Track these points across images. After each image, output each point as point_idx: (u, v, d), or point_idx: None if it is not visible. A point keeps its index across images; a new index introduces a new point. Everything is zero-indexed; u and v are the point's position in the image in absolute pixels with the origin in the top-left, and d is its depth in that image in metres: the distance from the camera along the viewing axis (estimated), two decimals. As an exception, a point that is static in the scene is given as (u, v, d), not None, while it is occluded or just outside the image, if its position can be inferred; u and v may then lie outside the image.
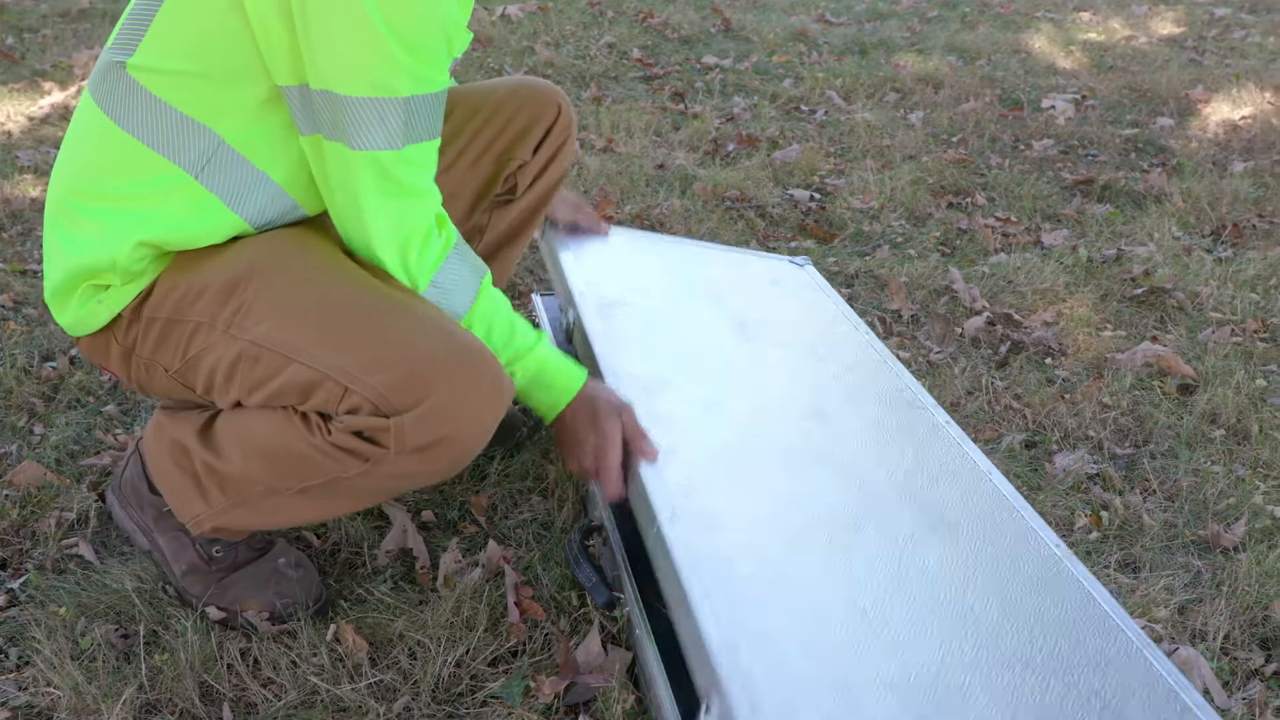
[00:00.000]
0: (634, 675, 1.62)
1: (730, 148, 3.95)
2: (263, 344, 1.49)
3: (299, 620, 1.70)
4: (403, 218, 1.53)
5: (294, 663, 1.64)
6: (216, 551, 1.73)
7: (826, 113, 4.47)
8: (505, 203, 2.07)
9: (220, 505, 1.62)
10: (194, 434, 1.61)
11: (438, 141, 1.53)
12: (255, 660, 1.65)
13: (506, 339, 1.63)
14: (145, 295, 1.56)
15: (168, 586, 1.76)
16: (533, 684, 1.62)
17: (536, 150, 2.03)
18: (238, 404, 1.56)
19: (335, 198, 1.52)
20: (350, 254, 1.60)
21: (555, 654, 1.67)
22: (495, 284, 2.07)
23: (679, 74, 4.88)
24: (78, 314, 1.58)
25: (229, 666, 1.64)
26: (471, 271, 1.61)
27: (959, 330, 2.81)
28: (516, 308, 2.69)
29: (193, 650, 1.63)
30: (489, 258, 2.09)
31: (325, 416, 1.50)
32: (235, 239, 1.57)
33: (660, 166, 3.70)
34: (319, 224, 1.65)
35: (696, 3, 6.04)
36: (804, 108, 4.53)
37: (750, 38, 5.52)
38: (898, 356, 2.62)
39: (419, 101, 1.45)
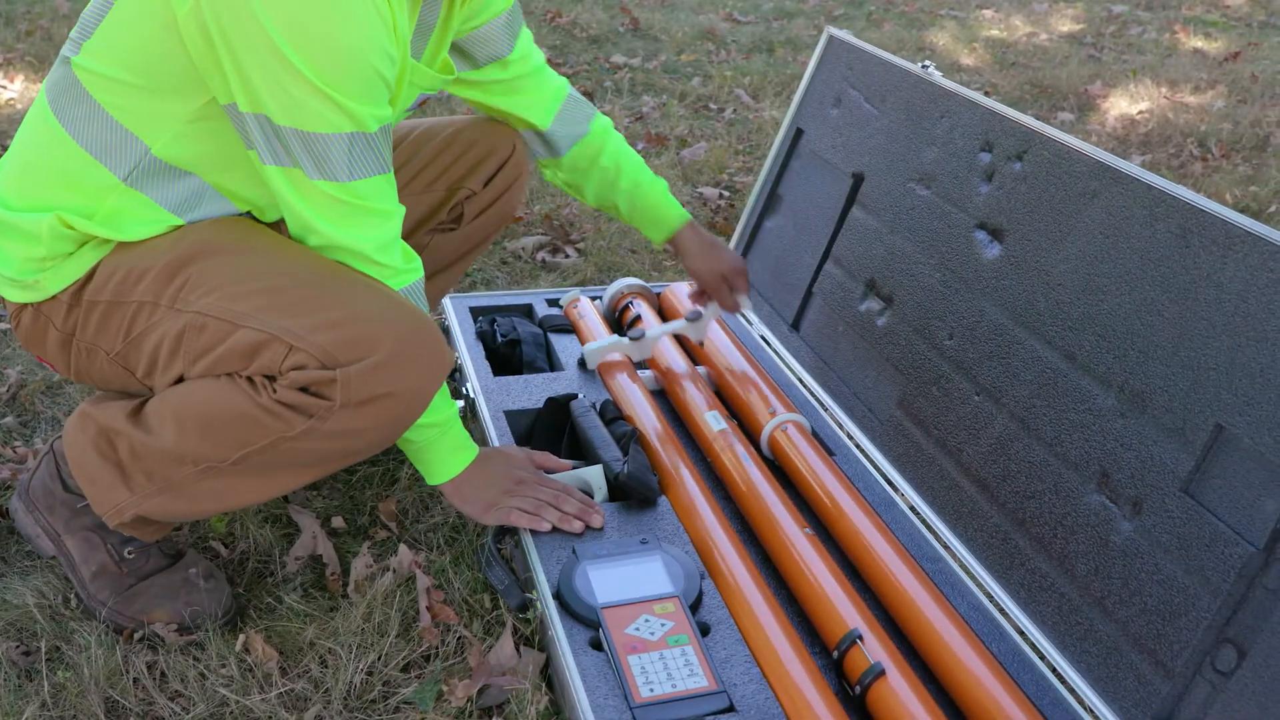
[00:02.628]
0: (548, 676, 1.63)
1: (639, 146, 3.96)
2: (209, 313, 1.51)
3: (208, 631, 1.68)
4: (361, 238, 1.55)
5: (202, 675, 1.62)
6: (129, 553, 1.71)
7: (735, 111, 4.50)
8: (449, 230, 2.07)
9: (145, 490, 1.59)
10: (124, 417, 1.60)
11: (389, 174, 1.55)
12: (162, 673, 1.63)
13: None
14: (85, 280, 1.56)
15: (71, 598, 1.73)
16: (445, 688, 1.61)
17: (488, 184, 2.05)
18: (178, 381, 1.57)
19: (288, 216, 1.54)
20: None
21: (468, 657, 1.66)
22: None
23: (588, 73, 4.88)
24: (17, 274, 1.57)
25: (135, 681, 1.61)
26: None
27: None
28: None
29: (97, 665, 1.60)
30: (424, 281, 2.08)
31: (270, 378, 1.52)
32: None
33: (570, 166, 3.69)
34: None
35: (605, 2, 6.04)
36: (712, 106, 4.55)
37: (659, 37, 5.53)
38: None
39: (362, 139, 1.47)
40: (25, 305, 1.60)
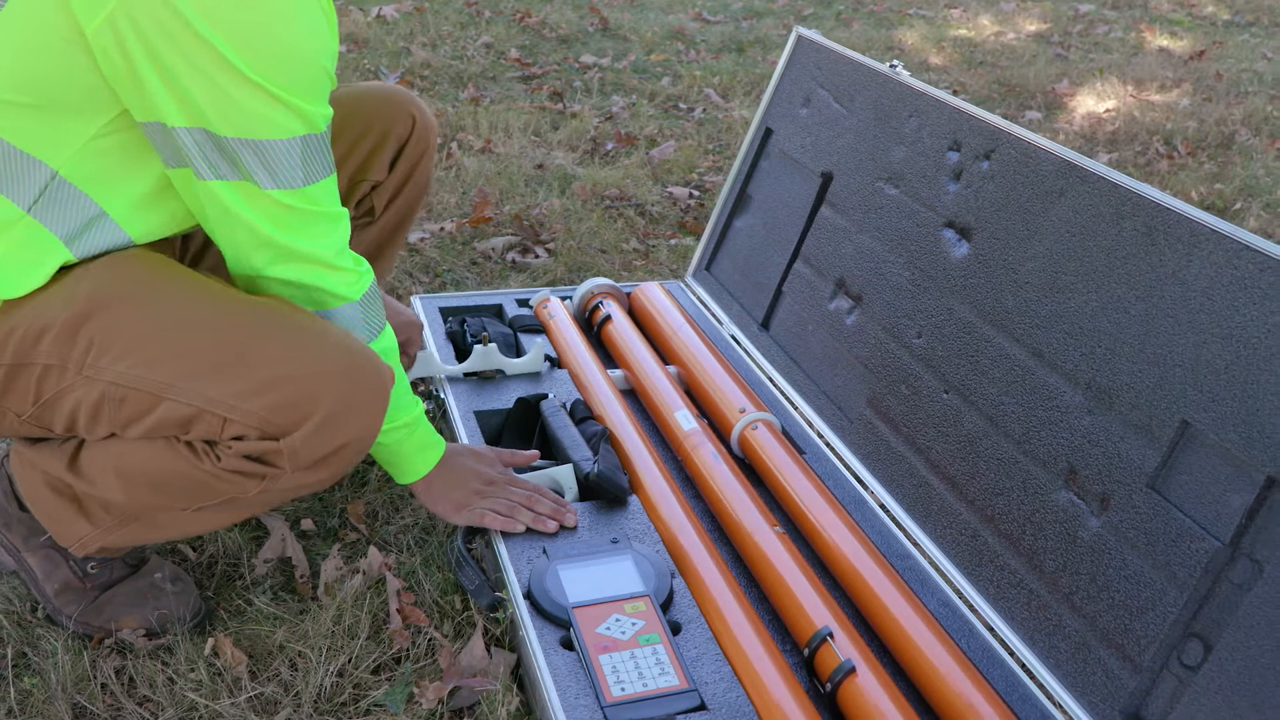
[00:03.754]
0: (519, 677, 1.62)
1: (609, 146, 3.96)
2: (125, 383, 1.41)
3: (176, 636, 1.67)
4: (320, 245, 1.49)
5: (171, 679, 1.61)
6: (92, 568, 1.68)
7: (704, 110, 4.50)
8: (364, 226, 1.96)
9: (106, 524, 1.57)
10: (63, 467, 1.54)
11: (334, 174, 1.48)
12: (131, 679, 1.62)
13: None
14: None
15: (38, 608, 1.71)
16: (416, 690, 1.61)
17: (392, 167, 1.93)
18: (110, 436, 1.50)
19: (230, 231, 1.45)
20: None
21: (439, 659, 1.66)
22: None
23: (557, 73, 4.88)
24: None
25: (103, 686, 1.60)
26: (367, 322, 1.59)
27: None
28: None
29: (64, 671, 1.59)
30: None
31: (210, 443, 1.46)
32: (62, 269, 1.46)
33: (539, 166, 3.69)
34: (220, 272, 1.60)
35: (574, 2, 6.04)
36: (682, 105, 4.55)
37: (628, 37, 5.53)
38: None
39: (314, 140, 1.41)
40: None
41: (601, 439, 1.94)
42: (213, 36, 1.27)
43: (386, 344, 1.61)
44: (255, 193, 1.39)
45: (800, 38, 2.45)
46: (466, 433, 2.00)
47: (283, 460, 1.44)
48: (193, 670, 1.62)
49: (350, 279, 1.53)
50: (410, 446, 1.70)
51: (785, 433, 2.08)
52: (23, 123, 1.36)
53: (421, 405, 1.71)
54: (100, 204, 1.43)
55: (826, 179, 2.27)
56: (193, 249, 1.75)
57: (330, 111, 1.44)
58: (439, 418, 2.14)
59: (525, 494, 1.78)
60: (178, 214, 1.51)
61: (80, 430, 1.49)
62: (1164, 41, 6.07)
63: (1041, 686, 1.55)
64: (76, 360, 1.42)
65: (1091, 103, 4.79)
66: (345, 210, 1.53)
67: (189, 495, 1.51)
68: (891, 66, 2.17)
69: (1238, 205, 3.67)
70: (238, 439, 1.43)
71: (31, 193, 1.39)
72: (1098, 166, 1.64)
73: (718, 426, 2.10)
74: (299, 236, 1.46)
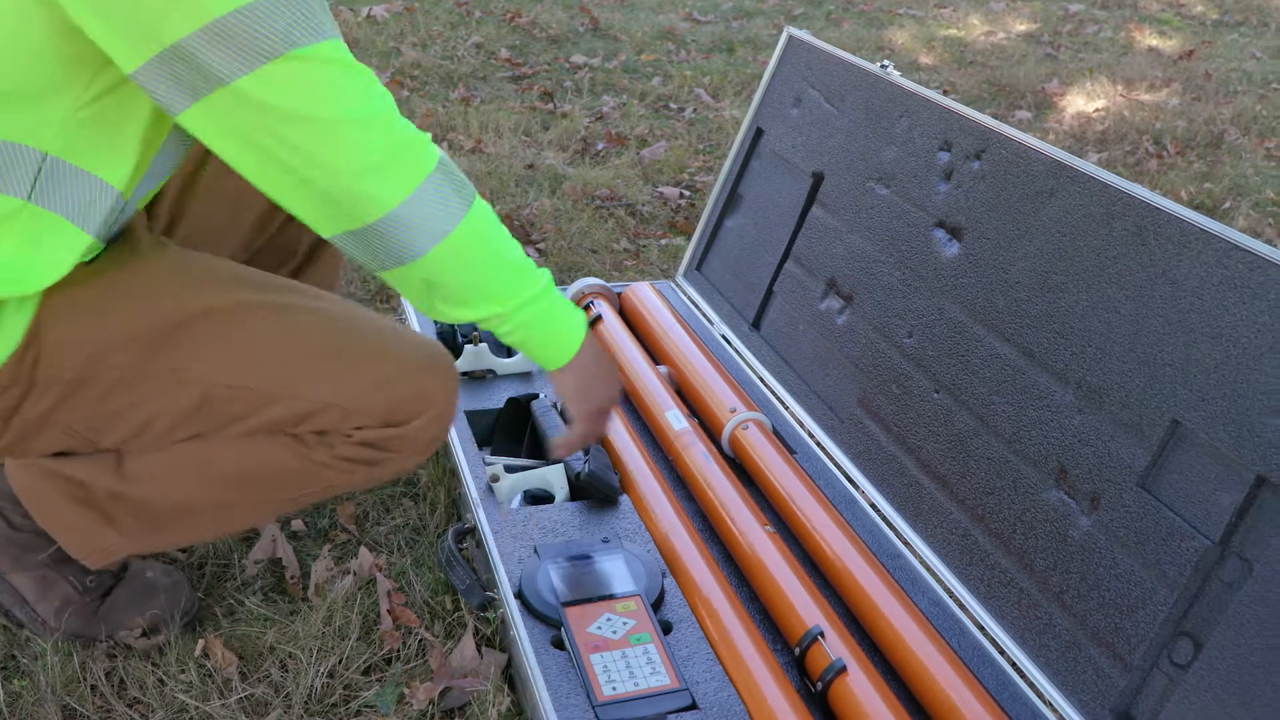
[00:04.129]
0: (509, 677, 1.62)
1: (600, 146, 3.96)
2: (238, 384, 1.45)
3: (172, 631, 1.66)
4: (378, 97, 1.29)
5: (161, 681, 1.61)
6: (91, 581, 1.66)
7: (695, 110, 4.50)
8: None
9: (136, 531, 1.55)
10: (109, 473, 1.52)
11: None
12: (121, 680, 1.61)
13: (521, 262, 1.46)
14: (19, 357, 1.39)
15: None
16: (407, 691, 1.60)
17: None
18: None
19: (273, 130, 1.25)
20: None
21: (429, 659, 1.66)
22: (329, 284, 1.90)
23: (548, 73, 4.88)
24: None
25: (93, 688, 1.59)
26: (457, 190, 1.38)
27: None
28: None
29: (53, 673, 1.58)
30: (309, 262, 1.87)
31: (319, 433, 1.50)
32: (108, 275, 1.42)
33: (530, 166, 3.69)
34: (194, 242, 1.59)
35: (564, 2, 6.03)
36: (672, 105, 4.55)
37: (618, 36, 5.53)
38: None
39: None
40: None
41: (592, 439, 1.94)
42: None
43: (483, 207, 1.43)
44: (278, 66, 1.21)
45: (791, 38, 2.45)
46: (457, 432, 1.99)
47: (403, 445, 1.52)
48: (183, 671, 1.62)
49: (421, 140, 1.35)
50: (559, 314, 1.50)
51: (776, 432, 2.08)
52: (5, 110, 1.28)
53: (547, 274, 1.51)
54: (100, 175, 1.36)
55: (817, 179, 2.27)
56: (162, 221, 1.69)
57: None
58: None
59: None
60: (161, 172, 1.45)
61: (146, 438, 1.48)
62: (1153, 41, 6.09)
63: (1032, 685, 1.55)
64: (163, 368, 1.43)
65: (1081, 102, 4.80)
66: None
67: (285, 486, 1.54)
68: (882, 66, 2.17)
69: (1227, 204, 3.68)
70: (359, 429, 1.50)
71: (26, 180, 1.32)
72: (1088, 166, 1.65)
73: (709, 426, 2.10)
74: (350, 96, 1.27)
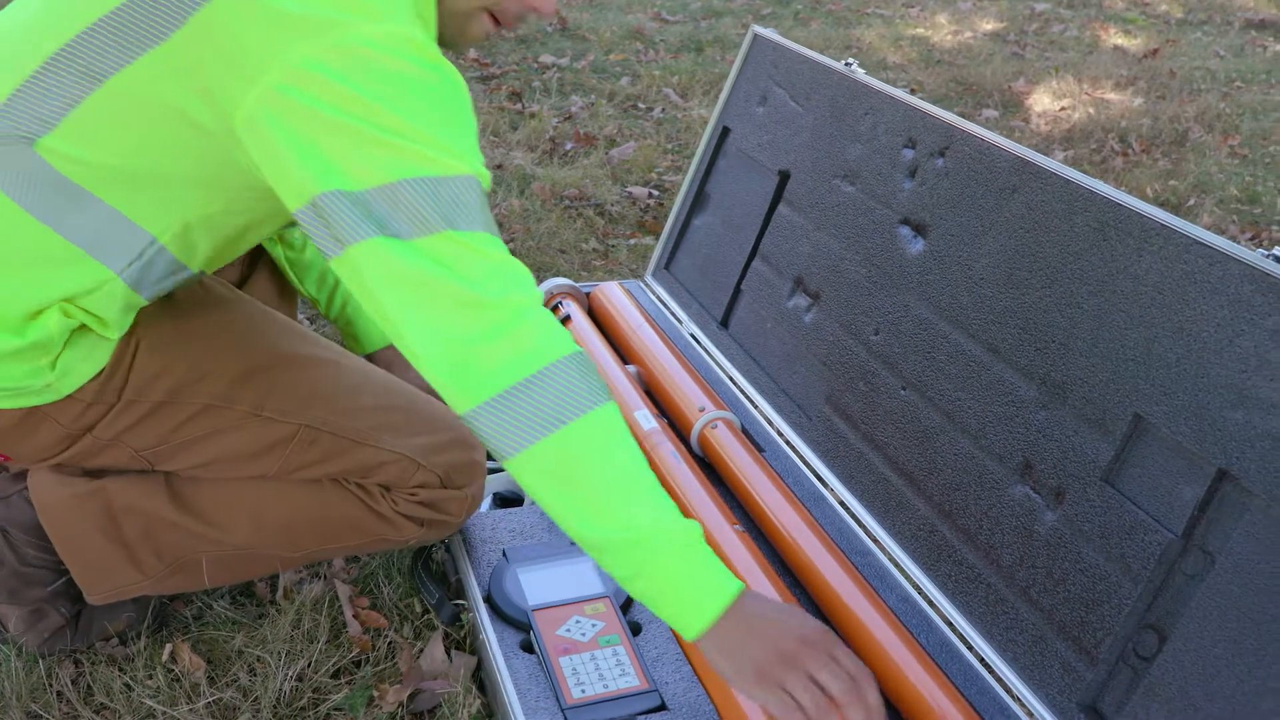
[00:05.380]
0: (479, 679, 1.62)
1: (568, 146, 3.96)
2: (323, 428, 1.53)
3: (139, 637, 1.65)
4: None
5: (128, 686, 1.60)
6: (75, 606, 1.65)
7: (664, 110, 4.51)
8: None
9: (157, 571, 1.58)
10: (166, 504, 1.55)
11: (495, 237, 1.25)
12: (88, 686, 1.60)
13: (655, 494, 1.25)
14: (110, 374, 1.43)
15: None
16: (376, 693, 1.60)
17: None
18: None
19: (409, 302, 1.21)
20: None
21: (399, 662, 1.65)
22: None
23: (516, 73, 4.87)
24: (21, 383, 1.39)
25: (59, 694, 1.58)
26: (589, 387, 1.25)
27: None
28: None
29: (18, 679, 1.57)
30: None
31: (385, 487, 1.59)
32: (199, 313, 1.53)
33: (498, 167, 3.68)
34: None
35: (532, 2, 6.03)
36: (641, 105, 4.56)
37: (587, 36, 5.53)
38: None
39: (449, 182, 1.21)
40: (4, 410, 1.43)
41: (561, 439, 1.93)
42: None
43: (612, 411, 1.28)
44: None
45: (757, 36, 2.46)
46: (425, 435, 1.99)
47: (456, 508, 1.64)
48: (150, 677, 1.61)
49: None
50: (698, 568, 1.24)
51: (745, 431, 2.09)
52: (130, 188, 1.30)
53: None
54: (190, 266, 1.42)
55: (784, 177, 2.28)
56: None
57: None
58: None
59: (844, 685, 1.21)
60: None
61: (212, 468, 1.54)
62: (1119, 40, 6.13)
63: (1000, 680, 1.56)
64: (252, 403, 1.50)
65: (1048, 101, 4.82)
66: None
67: (339, 535, 1.61)
68: (846, 64, 2.17)
69: (1191, 202, 3.71)
70: (423, 487, 1.60)
71: (125, 258, 1.35)
72: (1050, 163, 1.66)
73: (677, 425, 2.11)
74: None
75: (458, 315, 1.18)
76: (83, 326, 1.39)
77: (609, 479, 1.22)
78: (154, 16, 1.20)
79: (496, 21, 1.41)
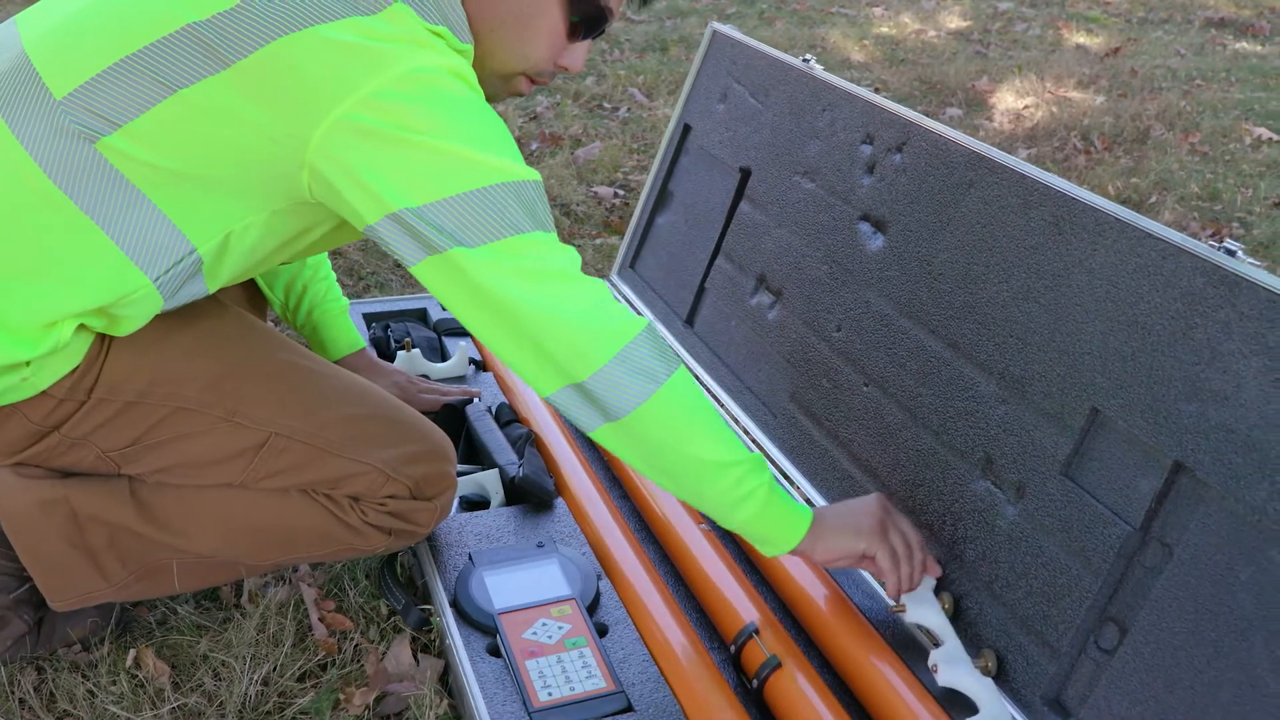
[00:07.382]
0: (447, 682, 1.62)
1: (534, 147, 3.95)
2: (294, 436, 1.53)
3: (104, 641, 1.64)
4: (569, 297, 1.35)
5: (91, 692, 1.59)
6: (38, 613, 1.64)
7: (629, 110, 4.51)
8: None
9: (121, 579, 1.57)
10: (129, 514, 1.54)
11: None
12: (50, 693, 1.59)
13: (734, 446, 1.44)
14: (84, 372, 1.44)
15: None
16: (342, 696, 1.60)
17: None
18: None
19: (490, 305, 1.33)
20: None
21: (365, 665, 1.65)
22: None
23: (481, 75, 4.86)
24: None
25: (21, 702, 1.57)
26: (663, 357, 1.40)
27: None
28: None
29: (-21, 689, 1.56)
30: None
31: (354, 498, 1.58)
32: (178, 317, 1.50)
33: (463, 169, 3.67)
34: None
35: (497, 3, 6.02)
36: (606, 105, 4.56)
37: (552, 38, 5.52)
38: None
39: (522, 187, 1.33)
40: None
41: (526, 442, 1.94)
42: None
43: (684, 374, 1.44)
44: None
45: (716, 33, 2.46)
46: (390, 437, 1.98)
47: (425, 518, 1.64)
48: (114, 683, 1.60)
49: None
50: (780, 506, 1.48)
51: (710, 430, 2.09)
52: (181, 193, 1.33)
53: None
54: (209, 286, 1.46)
55: (745, 174, 2.28)
56: None
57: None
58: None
59: (914, 534, 1.60)
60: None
61: (177, 472, 1.54)
62: (1081, 38, 6.17)
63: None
64: (224, 409, 1.50)
65: (1011, 99, 4.85)
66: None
67: (305, 545, 1.61)
68: (804, 61, 2.18)
69: (1153, 199, 3.74)
70: (392, 498, 1.60)
71: (162, 266, 1.37)
72: (1005, 157, 1.67)
73: (643, 425, 2.10)
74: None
75: (569, 289, 1.33)
76: (81, 327, 1.41)
77: (714, 412, 1.43)
78: (235, 37, 1.25)
79: (532, 82, 1.52)
